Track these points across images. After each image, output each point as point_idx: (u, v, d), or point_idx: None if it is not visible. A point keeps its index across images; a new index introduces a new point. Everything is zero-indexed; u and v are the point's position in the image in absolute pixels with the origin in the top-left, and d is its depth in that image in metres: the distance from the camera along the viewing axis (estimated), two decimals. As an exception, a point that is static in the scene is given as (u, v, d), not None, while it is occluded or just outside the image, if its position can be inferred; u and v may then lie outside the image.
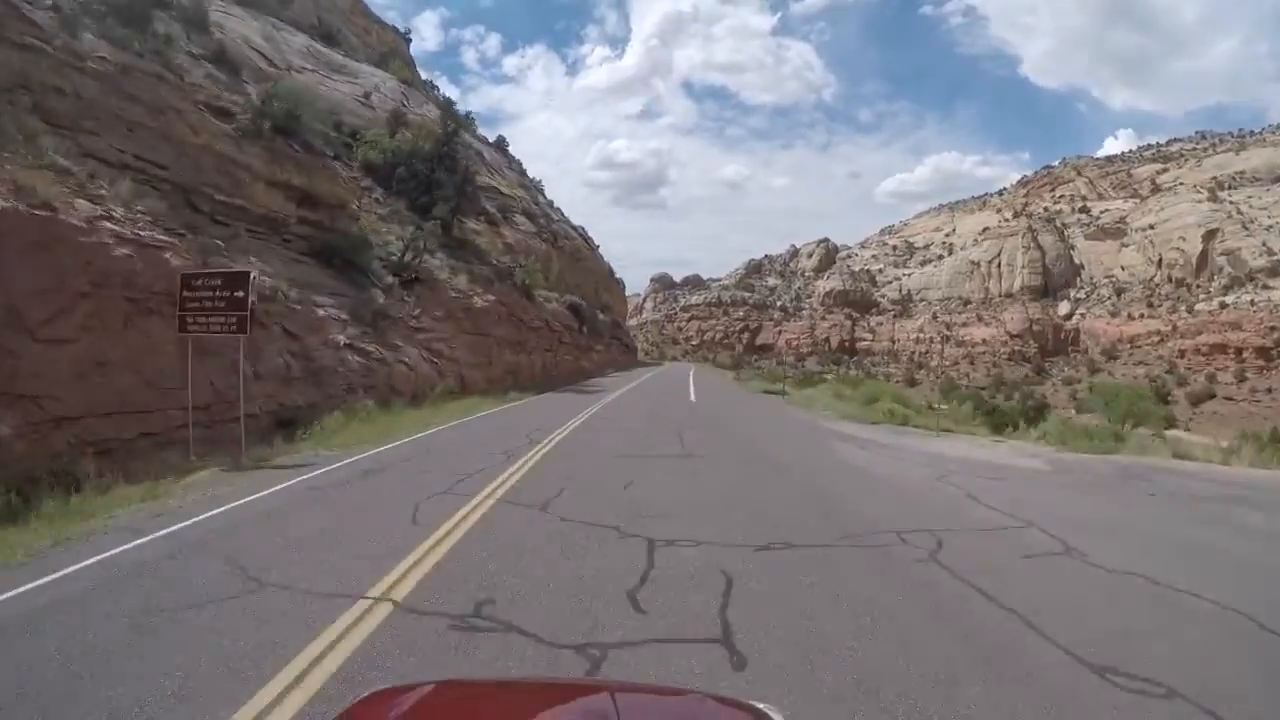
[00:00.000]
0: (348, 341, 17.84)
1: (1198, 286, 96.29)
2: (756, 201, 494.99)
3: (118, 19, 16.59)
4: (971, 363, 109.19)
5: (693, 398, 27.85)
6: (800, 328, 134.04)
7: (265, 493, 8.29)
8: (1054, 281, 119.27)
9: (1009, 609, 4.77)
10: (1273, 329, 75.41)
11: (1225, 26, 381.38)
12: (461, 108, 55.03)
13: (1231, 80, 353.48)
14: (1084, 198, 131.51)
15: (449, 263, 27.85)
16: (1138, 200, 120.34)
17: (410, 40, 63.82)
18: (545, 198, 59.85)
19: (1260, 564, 6.24)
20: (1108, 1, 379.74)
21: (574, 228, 63.40)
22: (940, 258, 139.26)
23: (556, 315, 39.13)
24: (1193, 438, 22.11)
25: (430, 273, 25.39)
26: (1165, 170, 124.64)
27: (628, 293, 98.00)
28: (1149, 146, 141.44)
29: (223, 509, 7.45)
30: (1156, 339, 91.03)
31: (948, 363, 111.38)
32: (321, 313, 17.48)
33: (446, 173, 31.89)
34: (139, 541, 6.21)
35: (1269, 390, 67.58)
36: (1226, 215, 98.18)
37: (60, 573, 5.32)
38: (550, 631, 4.22)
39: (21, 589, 4.96)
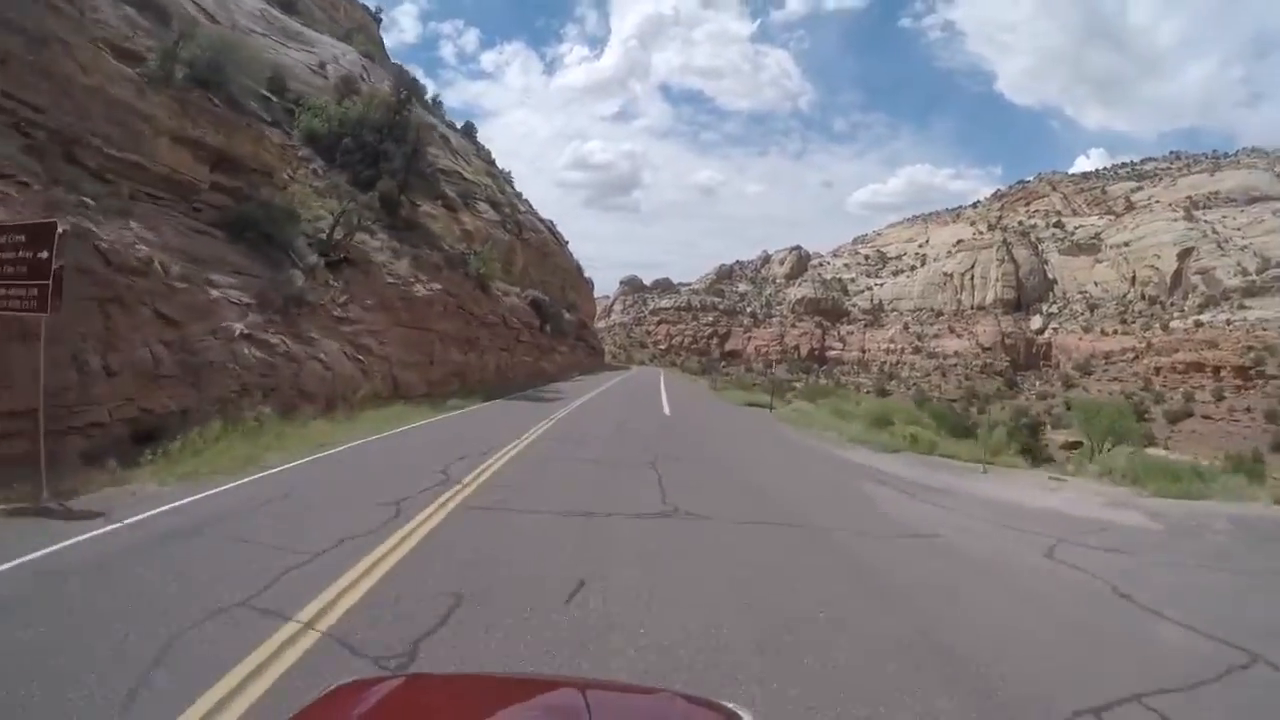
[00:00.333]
0: (246, 331, 13.84)
1: (1171, 304, 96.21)
2: (730, 208, 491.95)
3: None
4: (943, 375, 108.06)
5: (666, 410, 24.36)
6: (770, 334, 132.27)
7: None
8: (1027, 295, 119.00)
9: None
10: (1250, 349, 74.80)
11: (1200, 50, 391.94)
12: (440, 103, 51.16)
13: (1204, 104, 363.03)
14: (1058, 213, 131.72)
15: (391, 244, 23.84)
16: (1112, 217, 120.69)
17: (380, 20, 59.56)
18: (513, 188, 55.85)
19: None
20: (1085, 22, 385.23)
21: (542, 221, 59.45)
22: (913, 268, 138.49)
23: (515, 310, 35.14)
24: (1177, 458, 19.57)
25: (365, 254, 21.37)
26: (1140, 188, 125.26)
27: (597, 295, 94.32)
28: (1124, 164, 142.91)
29: None
30: (1130, 355, 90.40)
31: (919, 374, 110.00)
32: (215, 294, 13.52)
33: (395, 143, 27.79)
34: None
35: (1248, 409, 66.56)
36: (1202, 234, 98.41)
37: None
38: None
39: None
